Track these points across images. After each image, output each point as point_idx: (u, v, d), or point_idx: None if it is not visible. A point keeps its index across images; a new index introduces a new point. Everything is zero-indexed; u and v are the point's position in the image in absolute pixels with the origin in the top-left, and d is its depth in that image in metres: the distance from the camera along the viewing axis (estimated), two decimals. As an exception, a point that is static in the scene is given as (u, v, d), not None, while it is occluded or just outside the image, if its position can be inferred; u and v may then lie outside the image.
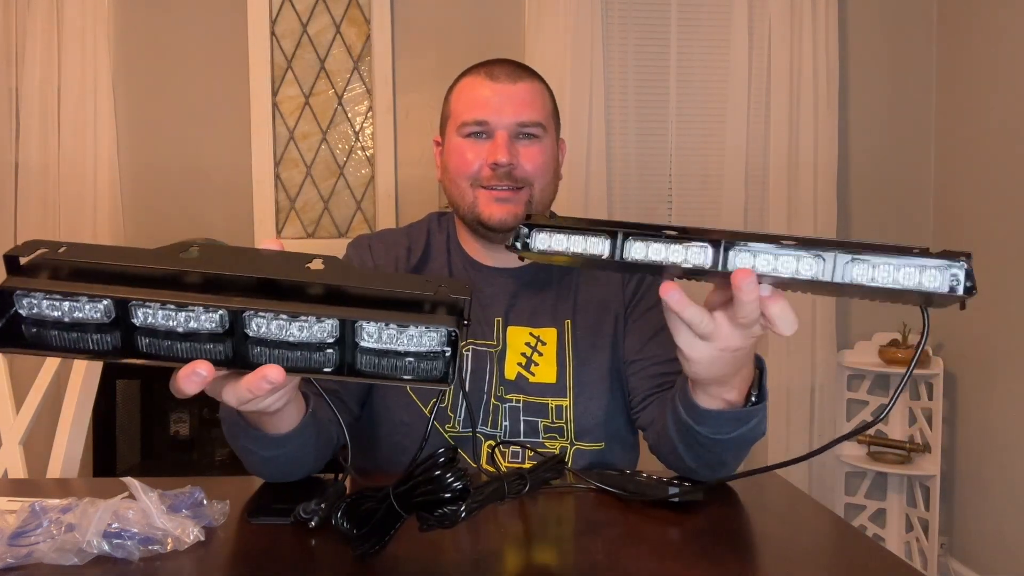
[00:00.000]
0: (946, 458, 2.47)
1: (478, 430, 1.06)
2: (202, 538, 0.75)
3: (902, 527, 2.57)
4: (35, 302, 0.60)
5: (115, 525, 0.71)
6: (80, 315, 0.60)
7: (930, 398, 2.44)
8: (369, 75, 2.51)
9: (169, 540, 0.72)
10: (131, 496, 0.75)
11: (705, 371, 0.75)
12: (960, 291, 0.57)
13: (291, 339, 0.61)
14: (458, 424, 1.06)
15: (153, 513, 0.73)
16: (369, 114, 2.52)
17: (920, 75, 2.63)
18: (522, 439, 1.06)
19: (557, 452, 1.06)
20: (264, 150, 2.48)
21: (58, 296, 0.59)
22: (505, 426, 1.06)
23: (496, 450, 1.05)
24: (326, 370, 0.62)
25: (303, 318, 0.60)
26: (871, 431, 2.60)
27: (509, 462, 1.05)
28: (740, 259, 0.62)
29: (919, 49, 2.62)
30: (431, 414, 1.02)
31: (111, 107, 2.39)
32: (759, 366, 0.83)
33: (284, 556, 0.73)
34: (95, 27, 2.36)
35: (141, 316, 0.60)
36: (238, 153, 2.48)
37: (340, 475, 0.90)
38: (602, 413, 1.08)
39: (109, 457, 2.13)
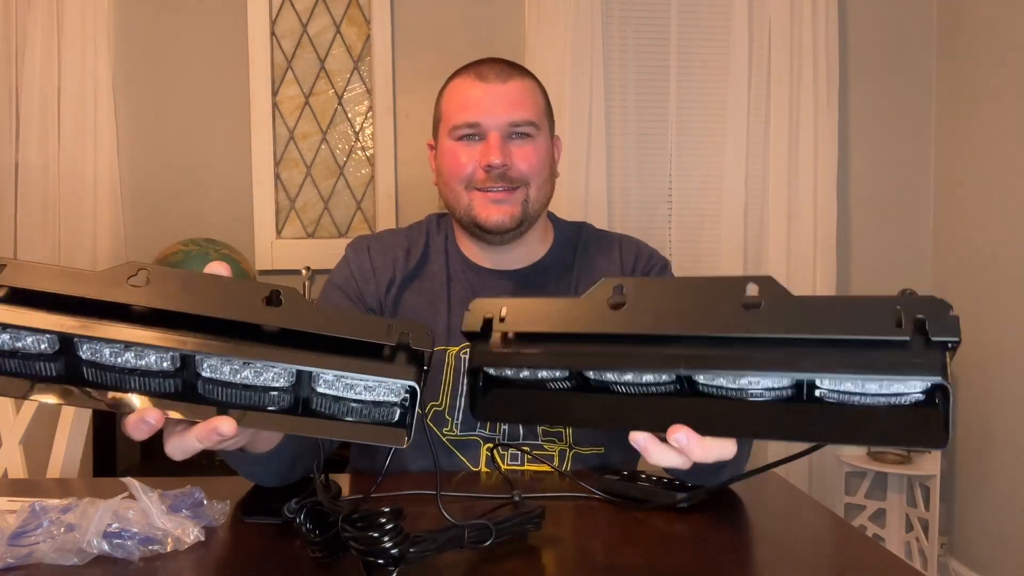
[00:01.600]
0: (946, 458, 2.47)
1: (477, 432, 1.06)
2: (202, 538, 0.75)
3: (902, 527, 2.57)
4: None
5: (115, 525, 0.71)
6: (21, 345, 0.57)
7: (930, 398, 2.44)
8: (369, 75, 2.51)
9: (169, 540, 0.72)
10: (131, 496, 0.75)
11: None
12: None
13: (244, 382, 0.59)
14: (455, 428, 1.06)
15: (153, 513, 0.73)
16: (369, 114, 2.52)
17: (920, 76, 2.62)
18: (520, 441, 1.06)
19: (556, 455, 1.06)
20: (264, 150, 2.48)
21: None
22: (504, 429, 1.06)
23: (495, 452, 1.04)
24: (272, 409, 0.59)
25: (257, 364, 0.58)
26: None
27: (508, 464, 1.05)
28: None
29: (919, 50, 2.62)
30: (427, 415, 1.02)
31: (111, 107, 2.39)
32: None
33: (284, 556, 0.73)
34: (95, 27, 2.36)
35: (88, 352, 0.57)
36: (238, 153, 2.48)
37: (321, 477, 0.90)
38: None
39: (109, 457, 2.13)
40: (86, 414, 1.25)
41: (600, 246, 1.17)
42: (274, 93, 2.49)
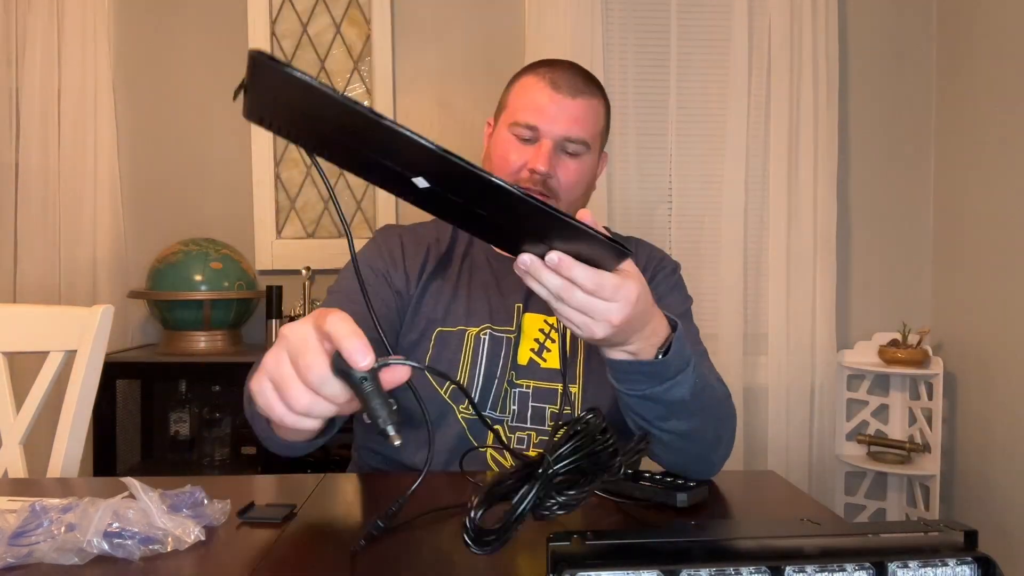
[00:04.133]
0: (946, 458, 2.47)
1: (485, 414, 1.08)
2: (202, 538, 0.75)
3: (902, 527, 2.57)
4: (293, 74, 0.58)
5: (115, 525, 0.71)
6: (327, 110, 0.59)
7: (930, 398, 2.44)
8: (369, 75, 2.51)
9: (169, 540, 0.72)
10: (131, 496, 0.75)
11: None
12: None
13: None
14: (467, 409, 1.08)
15: (153, 513, 0.73)
16: (369, 114, 2.52)
17: (920, 75, 2.63)
18: (528, 425, 1.08)
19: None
20: (264, 150, 2.48)
21: (316, 82, 0.59)
22: (513, 410, 1.09)
23: (502, 436, 1.07)
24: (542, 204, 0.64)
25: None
26: (871, 431, 2.60)
27: (515, 447, 1.07)
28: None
29: (919, 49, 2.63)
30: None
31: (111, 107, 2.39)
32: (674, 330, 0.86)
33: (284, 556, 0.73)
34: (95, 27, 2.36)
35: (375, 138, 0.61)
36: (238, 153, 2.48)
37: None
38: (610, 401, 1.09)
39: (109, 457, 2.13)
40: (86, 414, 1.25)
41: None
42: (274, 93, 2.48)
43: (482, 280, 1.16)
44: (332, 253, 2.44)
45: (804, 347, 2.49)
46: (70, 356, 1.25)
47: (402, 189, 0.67)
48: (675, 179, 2.55)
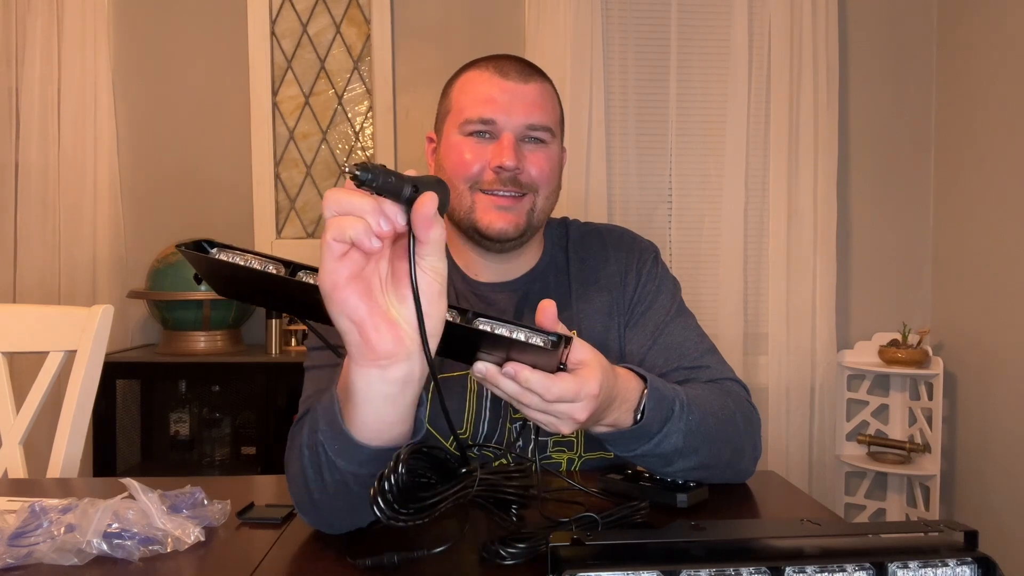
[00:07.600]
0: (946, 458, 2.47)
1: (492, 447, 1.03)
2: (202, 538, 0.75)
3: (902, 527, 2.57)
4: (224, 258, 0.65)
5: (115, 525, 0.71)
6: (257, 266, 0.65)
7: (930, 398, 2.44)
8: (369, 75, 2.51)
9: (169, 540, 0.72)
10: (131, 496, 0.75)
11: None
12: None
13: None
14: (475, 451, 1.03)
15: (153, 513, 0.73)
16: (369, 114, 2.52)
17: (920, 75, 2.63)
18: (529, 458, 1.03)
19: (564, 462, 1.05)
20: (264, 150, 2.48)
21: (247, 256, 0.65)
22: (518, 445, 1.04)
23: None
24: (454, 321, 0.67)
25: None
26: (871, 431, 2.60)
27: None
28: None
29: (919, 49, 2.63)
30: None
31: (111, 107, 2.39)
32: (648, 385, 0.82)
33: (284, 556, 0.73)
34: (95, 27, 2.36)
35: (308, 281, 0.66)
36: (238, 153, 2.48)
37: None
38: None
39: (109, 457, 2.13)
40: (86, 414, 1.25)
41: (590, 246, 1.14)
42: (274, 93, 2.49)
43: None
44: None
45: (804, 347, 2.49)
46: (70, 356, 1.25)
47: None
48: (675, 179, 2.55)
